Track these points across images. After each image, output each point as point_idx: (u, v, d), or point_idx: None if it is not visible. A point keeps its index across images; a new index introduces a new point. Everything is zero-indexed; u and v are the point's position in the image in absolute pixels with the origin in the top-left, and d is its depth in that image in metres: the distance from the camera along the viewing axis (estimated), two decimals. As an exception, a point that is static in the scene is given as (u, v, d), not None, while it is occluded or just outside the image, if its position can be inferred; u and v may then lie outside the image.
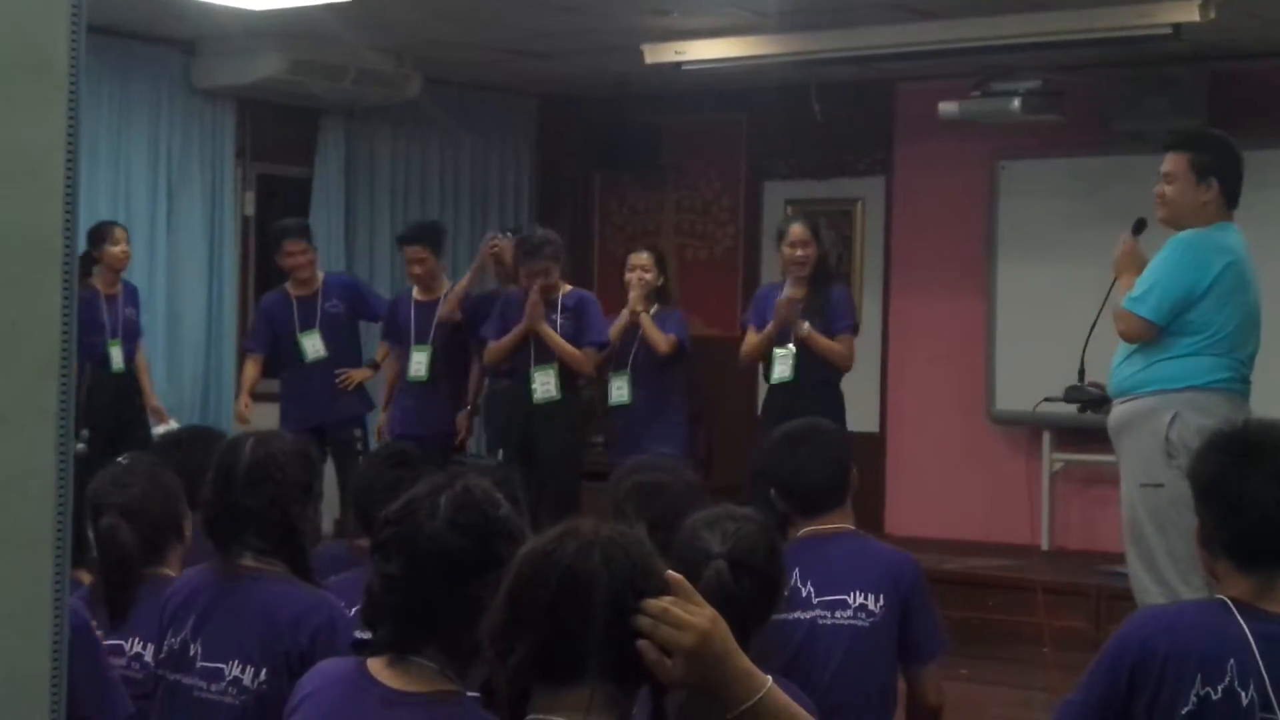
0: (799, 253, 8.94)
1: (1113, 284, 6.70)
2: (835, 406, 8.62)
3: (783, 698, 2.50)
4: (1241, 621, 3.32)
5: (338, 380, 9.98)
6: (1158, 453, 6.27)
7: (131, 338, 10.29)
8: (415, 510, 3.04)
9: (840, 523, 4.78)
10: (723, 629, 2.44)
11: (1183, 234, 6.41)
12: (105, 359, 10.05)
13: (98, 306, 10.01)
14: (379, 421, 10.21)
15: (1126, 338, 6.45)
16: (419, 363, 9.85)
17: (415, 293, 10.01)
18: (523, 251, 9.13)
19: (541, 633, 2.40)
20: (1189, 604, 4.13)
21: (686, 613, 2.41)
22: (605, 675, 2.40)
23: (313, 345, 9.98)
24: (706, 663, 2.41)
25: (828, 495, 4.77)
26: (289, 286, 10.14)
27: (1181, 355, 6.32)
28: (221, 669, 3.93)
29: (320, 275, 10.23)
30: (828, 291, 8.96)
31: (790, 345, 8.84)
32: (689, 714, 2.48)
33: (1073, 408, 7.58)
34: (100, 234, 10.11)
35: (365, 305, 10.32)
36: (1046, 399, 7.32)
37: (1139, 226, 6.87)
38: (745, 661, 2.47)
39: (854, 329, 9.06)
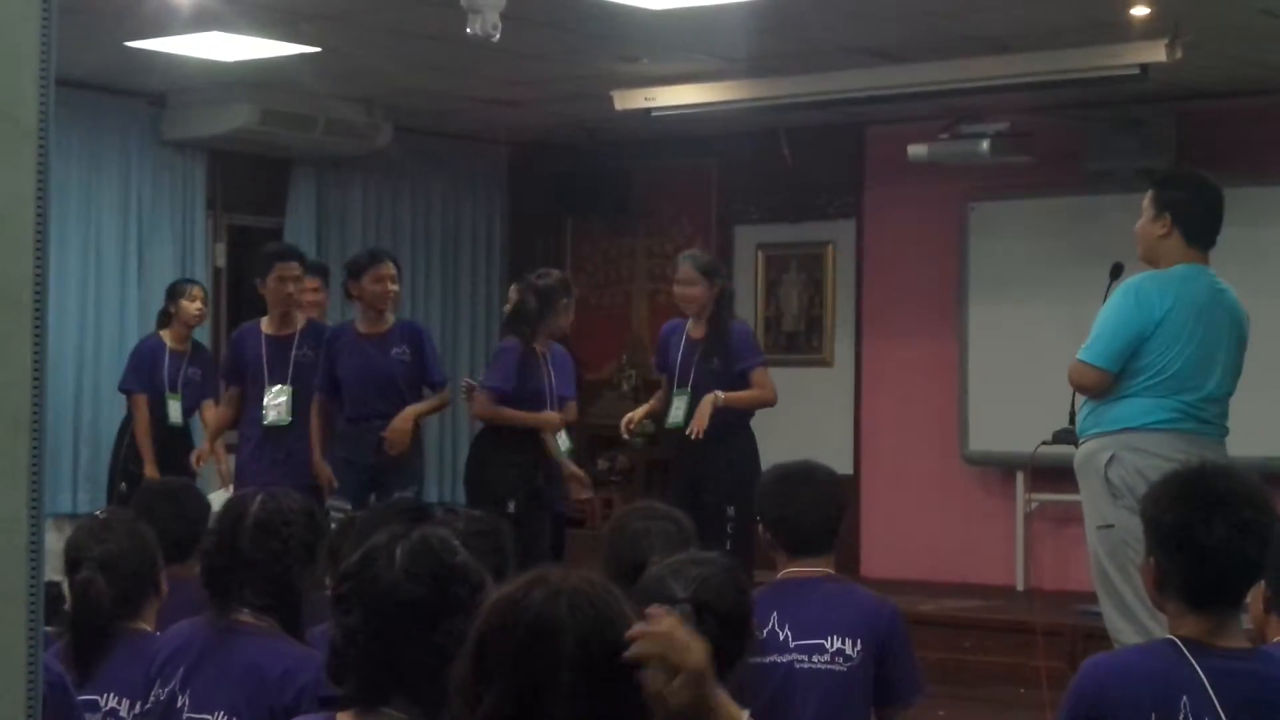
0: (680, 290, 8.62)
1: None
2: (754, 451, 8.49)
3: None
4: (1192, 659, 3.39)
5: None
6: (1103, 494, 6.30)
7: (193, 396, 10.11)
8: (372, 561, 3.03)
9: (822, 567, 4.80)
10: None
11: (1132, 278, 6.44)
12: (163, 412, 9.98)
13: (161, 358, 9.98)
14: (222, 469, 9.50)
15: (1081, 387, 6.45)
16: (279, 406, 8.85)
17: (265, 326, 8.97)
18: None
19: (509, 683, 2.39)
20: (1138, 647, 4.18)
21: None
22: None
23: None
24: (704, 685, 2.47)
25: (822, 538, 4.81)
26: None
27: (1122, 397, 6.32)
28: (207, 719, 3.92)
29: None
30: (726, 330, 8.57)
31: (688, 388, 8.52)
32: None
33: (1047, 447, 7.58)
34: (177, 290, 10.15)
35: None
36: (1044, 443, 7.30)
37: (1116, 271, 6.89)
38: (724, 694, 2.53)
39: (763, 362, 8.64)
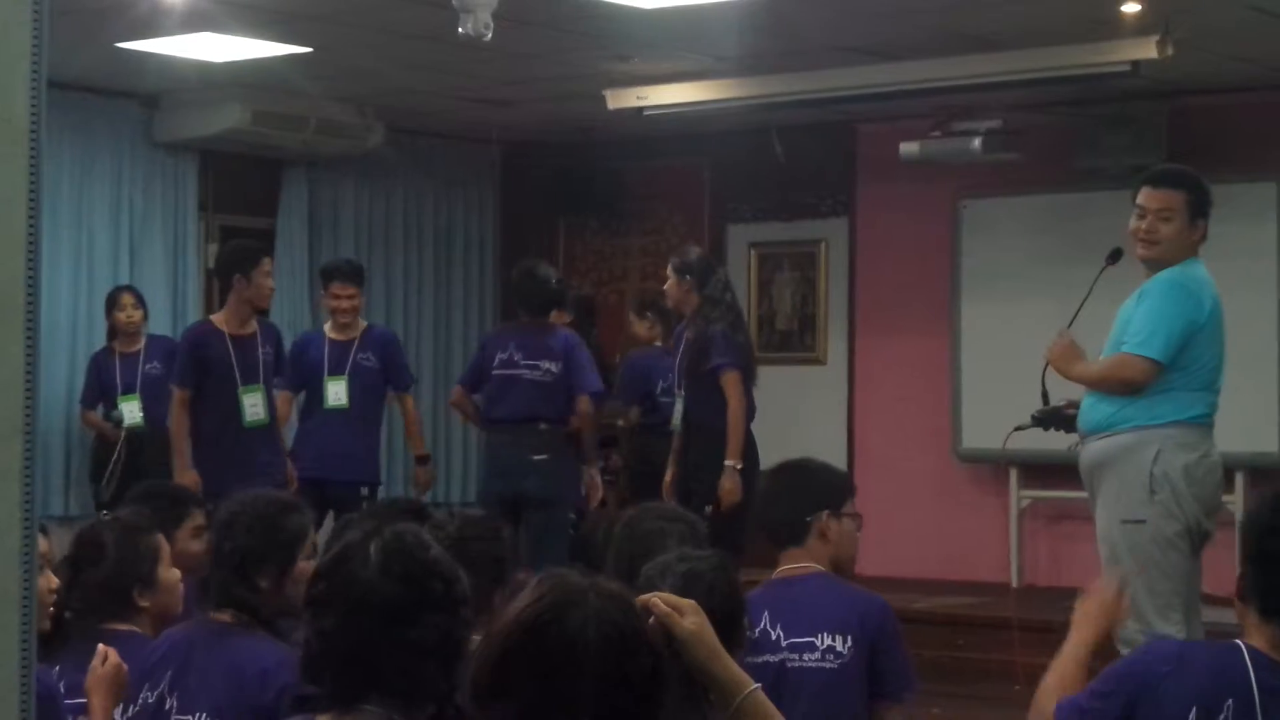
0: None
1: (1045, 367, 6.69)
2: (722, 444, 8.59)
3: (769, 704, 2.85)
4: (1250, 667, 3.41)
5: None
6: (1141, 489, 6.21)
7: (155, 390, 10.04)
8: (347, 560, 3.00)
9: (813, 563, 4.80)
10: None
11: (1168, 274, 6.28)
12: (119, 419, 10.23)
13: (108, 368, 10.34)
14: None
15: (1129, 381, 6.29)
16: (256, 407, 8.80)
17: (224, 325, 8.86)
18: None
19: (529, 695, 2.42)
20: (1203, 642, 4.22)
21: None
22: None
23: (335, 393, 9.45)
24: (705, 644, 2.85)
25: (782, 531, 4.84)
26: (327, 329, 9.68)
27: (1165, 390, 6.23)
28: (191, 721, 3.94)
29: (362, 324, 9.71)
30: (707, 333, 8.68)
31: (681, 391, 8.84)
32: None
33: (1039, 444, 7.56)
34: (110, 300, 10.53)
35: (395, 366, 9.71)
36: (1017, 427, 7.29)
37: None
38: (735, 664, 2.86)
39: (732, 365, 8.63)
